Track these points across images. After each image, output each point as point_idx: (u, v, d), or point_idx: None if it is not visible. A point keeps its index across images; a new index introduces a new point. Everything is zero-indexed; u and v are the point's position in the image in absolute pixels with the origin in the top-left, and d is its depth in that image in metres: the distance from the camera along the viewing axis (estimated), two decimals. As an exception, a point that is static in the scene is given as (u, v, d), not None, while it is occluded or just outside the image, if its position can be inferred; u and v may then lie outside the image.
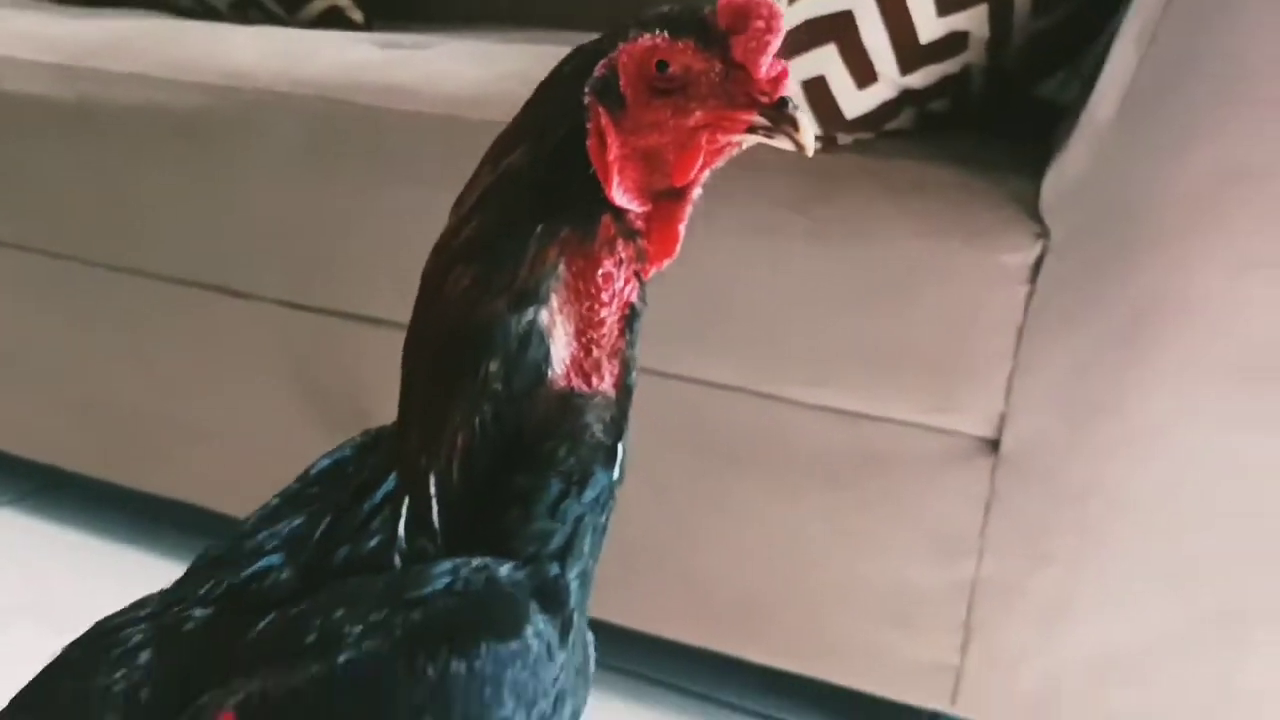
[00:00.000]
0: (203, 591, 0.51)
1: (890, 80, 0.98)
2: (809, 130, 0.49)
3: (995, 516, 0.98)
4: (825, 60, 0.98)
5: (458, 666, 0.46)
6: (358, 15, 1.62)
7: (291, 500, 0.54)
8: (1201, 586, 0.93)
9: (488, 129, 0.54)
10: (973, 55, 0.99)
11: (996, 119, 1.08)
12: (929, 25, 0.96)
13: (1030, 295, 0.92)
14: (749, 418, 1.06)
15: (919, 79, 0.99)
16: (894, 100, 1.00)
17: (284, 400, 1.23)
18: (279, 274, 1.22)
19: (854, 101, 0.99)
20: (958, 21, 0.96)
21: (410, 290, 0.53)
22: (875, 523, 1.04)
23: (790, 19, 0.99)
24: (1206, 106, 0.84)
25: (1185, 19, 0.83)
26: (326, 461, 0.56)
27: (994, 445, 0.97)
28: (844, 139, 1.01)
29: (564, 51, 0.54)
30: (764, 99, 0.49)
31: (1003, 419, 0.96)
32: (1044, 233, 0.92)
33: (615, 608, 1.15)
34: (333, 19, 1.60)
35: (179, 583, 0.53)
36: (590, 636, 0.57)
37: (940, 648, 1.04)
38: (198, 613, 0.51)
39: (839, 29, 0.97)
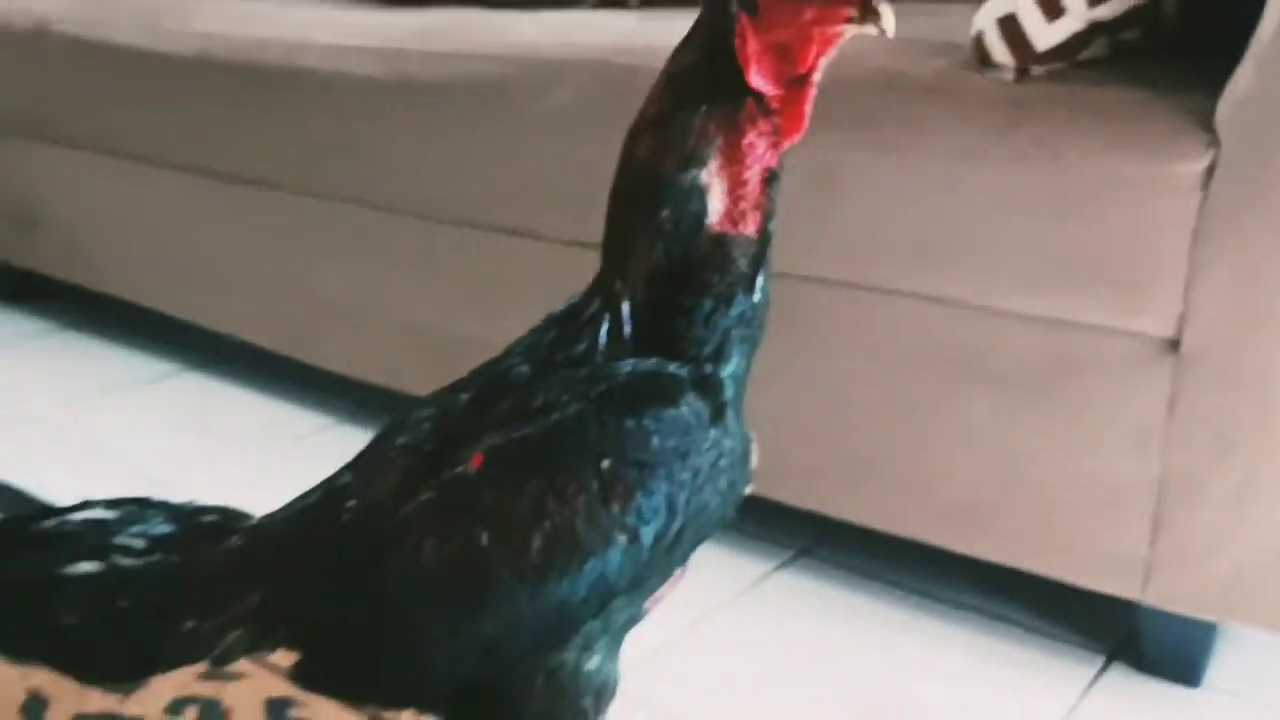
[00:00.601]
0: (470, 383, 0.72)
1: (1078, 13, 1.08)
2: (889, 19, 0.63)
3: (1179, 413, 1.07)
4: (1016, -1, 1.09)
5: (630, 423, 0.64)
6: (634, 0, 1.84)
7: (533, 330, 0.74)
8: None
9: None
10: (1160, -14, 1.07)
11: (1197, 43, 1.15)
12: (1113, -41, 1.06)
13: (1203, 201, 1.01)
14: (963, 330, 1.18)
15: (1107, 10, 1.08)
16: (1084, 32, 1.09)
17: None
18: (563, 217, 1.43)
19: (1044, 35, 1.09)
20: (1142, -45, 1.05)
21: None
22: (1072, 424, 1.14)
23: (978, -36, 1.11)
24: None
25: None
26: (562, 305, 0.76)
27: (1175, 345, 1.05)
28: (1037, 70, 1.12)
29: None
30: None
31: (1182, 319, 1.04)
32: (1215, 143, 1.00)
33: (849, 507, 1.30)
34: (610, 2, 1.82)
35: (457, 381, 0.74)
36: (751, 434, 0.73)
37: (1132, 539, 1.12)
38: (464, 397, 0.71)
39: (1029, -31, 1.08)
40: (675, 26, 1.42)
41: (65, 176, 2.03)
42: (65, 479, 1.56)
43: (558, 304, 0.77)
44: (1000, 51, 1.11)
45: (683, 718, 1.13)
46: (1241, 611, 1.10)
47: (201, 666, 1.16)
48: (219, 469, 1.64)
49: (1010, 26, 1.10)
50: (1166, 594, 1.12)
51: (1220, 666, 1.21)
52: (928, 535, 1.26)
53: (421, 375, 1.71)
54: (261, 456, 1.68)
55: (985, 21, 1.12)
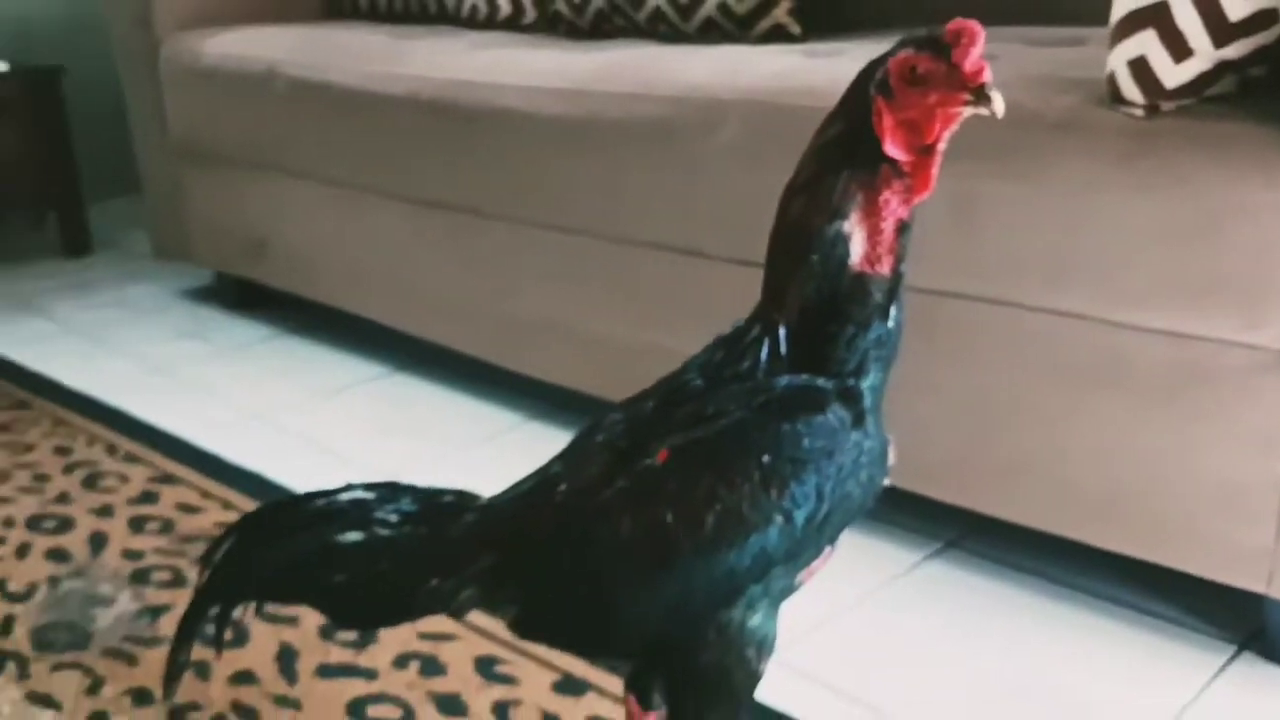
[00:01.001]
0: (653, 393, 0.88)
1: (1205, 54, 1.18)
2: (999, 102, 0.76)
3: (1301, 418, 1.16)
4: (1146, 43, 1.20)
5: (786, 426, 0.79)
6: (797, 29, 1.98)
7: (705, 349, 0.90)
8: None
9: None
10: (1283, 27, 1.16)
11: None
12: (1236, 6, 1.15)
13: (1321, 226, 1.10)
14: (1096, 342, 1.29)
15: (1234, 51, 1.18)
16: (1211, 71, 1.19)
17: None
18: (728, 239, 1.59)
19: (1172, 74, 1.19)
20: (1265, 1, 1.15)
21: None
22: (1200, 429, 1.24)
23: (1116, 12, 1.22)
24: None
25: None
26: (728, 329, 0.91)
27: (1296, 357, 1.15)
28: (1166, 106, 1.22)
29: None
30: (972, 84, 0.77)
31: (1301, 334, 1.13)
32: (1331, 172, 1.09)
33: (995, 503, 1.42)
34: (776, 35, 1.97)
35: (643, 391, 0.90)
36: (889, 436, 0.87)
37: (1259, 535, 1.21)
38: (649, 404, 0.88)
39: (1157, 16, 1.19)
40: (832, 66, 1.57)
41: (290, 202, 2.30)
42: (298, 470, 1.81)
43: (725, 326, 0.93)
44: (1131, 90, 1.22)
45: (838, 687, 1.28)
46: (1363, 605, 1.18)
47: (423, 626, 1.37)
48: (424, 461, 1.85)
49: (1140, 67, 1.21)
50: (1290, 587, 1.21)
51: (1347, 658, 1.29)
52: (1067, 530, 1.37)
53: (604, 379, 1.92)
54: (461, 450, 1.89)
55: (1117, 63, 1.23)
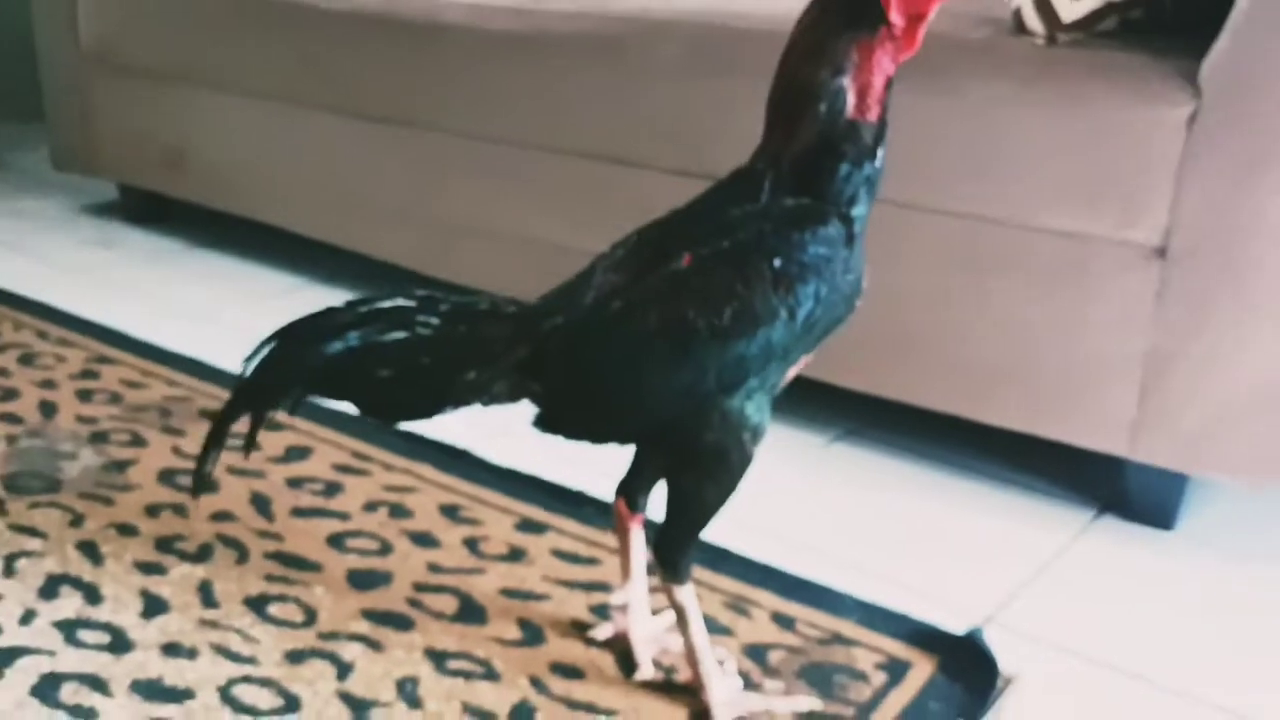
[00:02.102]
0: (672, 219, 1.04)
1: (1097, -6, 1.40)
2: None
3: (1163, 301, 1.38)
4: (1050, -19, 1.42)
5: (795, 234, 0.96)
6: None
7: (715, 184, 1.06)
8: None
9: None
10: (1161, -25, 1.39)
11: (1188, 21, 1.46)
12: (1126, -46, 1.38)
13: (1187, 140, 1.33)
14: (995, 238, 1.49)
15: (1119, -7, 1.41)
16: (1100, 9, 1.41)
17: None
18: (670, 150, 1.75)
19: (1069, 10, 1.41)
20: (1148, -48, 1.38)
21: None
22: (1078, 311, 1.45)
23: (1026, -46, 1.43)
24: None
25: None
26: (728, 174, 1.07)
27: (1162, 251, 1.37)
28: (1063, 38, 1.44)
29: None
30: None
31: (1168, 231, 1.36)
32: (1198, 95, 1.32)
33: (892, 386, 1.62)
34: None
35: (657, 219, 1.05)
36: (864, 266, 1.04)
37: (1124, 405, 1.44)
38: (674, 220, 1.03)
39: (1060, -41, 1.40)
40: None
41: (214, 114, 2.35)
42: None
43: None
44: (1034, 21, 1.44)
45: (778, 534, 1.45)
46: (1207, 463, 1.42)
47: (385, 479, 1.48)
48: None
49: (1043, 3, 1.42)
50: (1148, 450, 1.44)
51: (1190, 515, 1.53)
52: (957, 408, 1.58)
53: (537, 283, 2.02)
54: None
55: (1023, -1, 1.44)
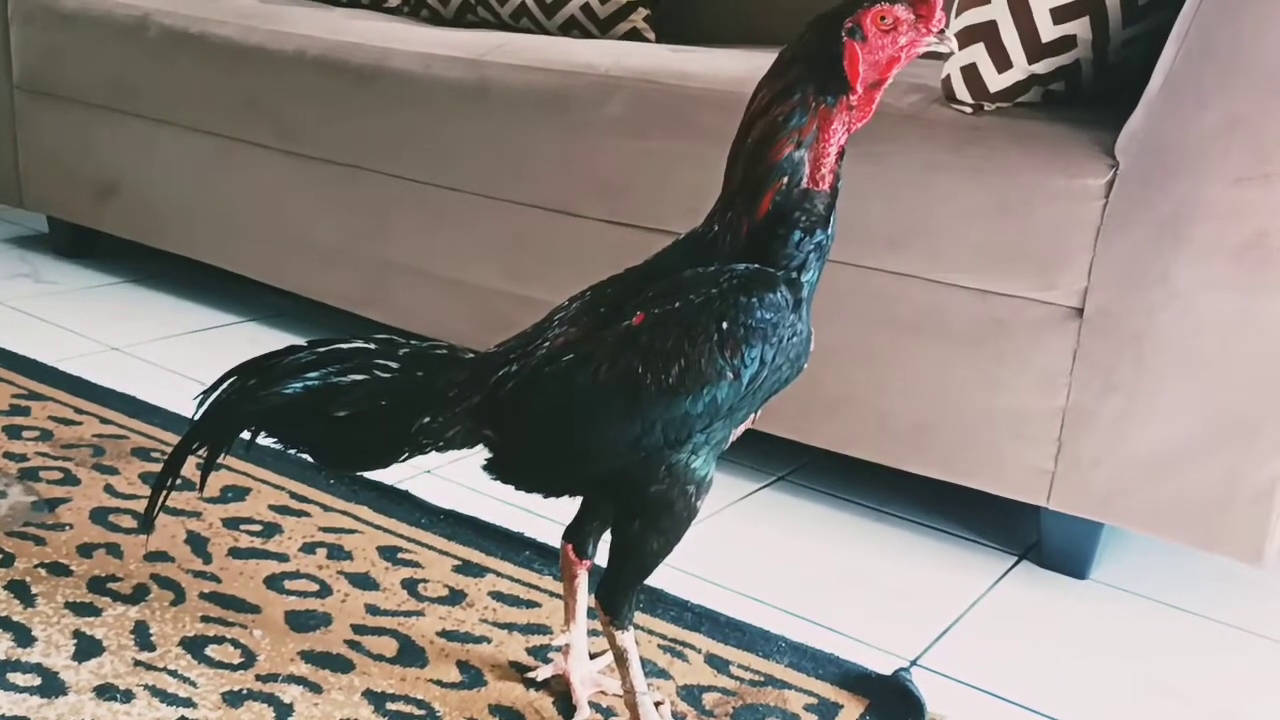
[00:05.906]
0: (635, 272, 1.07)
1: (1021, 67, 1.48)
2: (953, 40, 1.00)
3: (1079, 361, 1.46)
4: (977, 53, 1.49)
5: (743, 298, 1.00)
6: (651, 35, 2.21)
7: (670, 245, 1.10)
8: (1218, 397, 1.38)
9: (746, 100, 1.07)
10: (1080, 51, 1.47)
11: (1108, 94, 1.55)
12: (1047, 30, 1.46)
13: (1105, 207, 1.40)
14: (920, 298, 1.56)
15: (1041, 68, 1.48)
16: (1024, 81, 1.49)
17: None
18: (610, 203, 1.79)
19: (995, 81, 1.49)
20: (1068, 28, 1.45)
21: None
22: (1000, 369, 1.52)
23: (954, 26, 1.51)
24: (1217, 79, 1.31)
25: (1205, 21, 1.31)
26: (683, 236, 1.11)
27: (1079, 312, 1.44)
28: (989, 106, 1.51)
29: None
30: (936, 27, 0.99)
31: (1085, 292, 1.43)
32: (1115, 165, 1.40)
33: (823, 436, 1.67)
34: (632, 38, 2.20)
35: (613, 276, 1.09)
36: (811, 330, 1.08)
37: (1041, 458, 1.51)
38: (629, 278, 1.06)
39: (987, 32, 1.48)
40: (698, 58, 1.80)
41: (149, 149, 2.34)
42: (169, 397, 1.87)
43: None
44: (962, 91, 1.51)
45: (705, 576, 1.49)
46: (1117, 513, 1.49)
47: (323, 521, 1.49)
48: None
49: (971, 73, 1.49)
50: (1063, 500, 1.51)
51: (1102, 564, 1.60)
52: (883, 458, 1.64)
53: (476, 328, 2.06)
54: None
55: (952, 68, 1.51)
